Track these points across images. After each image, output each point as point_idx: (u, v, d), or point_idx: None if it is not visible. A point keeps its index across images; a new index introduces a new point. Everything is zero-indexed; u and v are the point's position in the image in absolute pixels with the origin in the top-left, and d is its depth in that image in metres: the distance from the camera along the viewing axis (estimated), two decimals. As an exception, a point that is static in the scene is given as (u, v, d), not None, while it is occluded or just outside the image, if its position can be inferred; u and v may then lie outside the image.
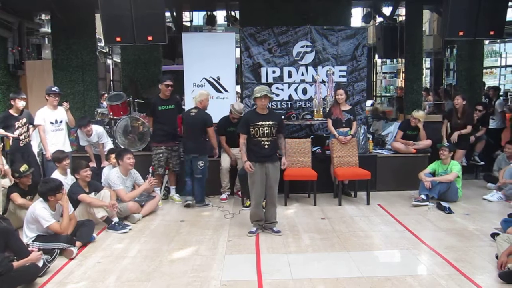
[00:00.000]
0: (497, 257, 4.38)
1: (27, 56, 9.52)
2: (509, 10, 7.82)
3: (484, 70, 11.24)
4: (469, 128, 7.31)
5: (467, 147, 7.55)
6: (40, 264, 4.25)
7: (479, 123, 8.04)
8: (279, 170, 5.37)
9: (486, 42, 12.84)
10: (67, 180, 5.88)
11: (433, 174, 6.84)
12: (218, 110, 7.21)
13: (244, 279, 4.16)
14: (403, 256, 4.75)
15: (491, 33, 7.03)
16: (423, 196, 6.55)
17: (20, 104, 6.26)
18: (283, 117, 7.40)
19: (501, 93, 12.58)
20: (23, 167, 5.60)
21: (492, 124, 8.75)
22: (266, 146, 5.23)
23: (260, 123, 5.22)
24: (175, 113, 6.80)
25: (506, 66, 14.61)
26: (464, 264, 4.43)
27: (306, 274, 4.24)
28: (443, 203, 6.37)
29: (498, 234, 4.77)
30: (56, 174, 5.87)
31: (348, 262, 4.53)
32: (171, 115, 6.73)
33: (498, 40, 14.32)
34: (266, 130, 5.22)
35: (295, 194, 7.17)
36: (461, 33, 6.92)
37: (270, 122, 5.23)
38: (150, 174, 6.89)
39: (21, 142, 6.28)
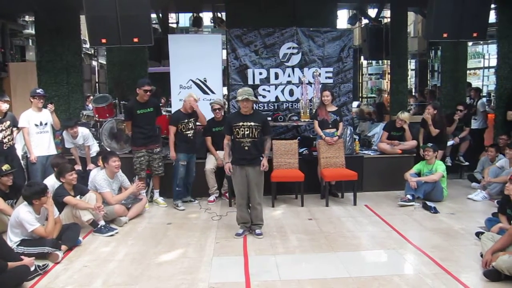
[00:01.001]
0: (481, 255, 4.43)
1: (10, 58, 9.41)
2: (491, 12, 7.96)
3: (468, 71, 11.39)
4: (436, 130, 7.29)
5: (445, 148, 7.64)
6: (32, 268, 4.21)
7: (462, 123, 8.15)
8: (261, 174, 5.32)
9: (470, 43, 13.01)
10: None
11: (418, 174, 6.91)
12: (205, 112, 7.18)
13: (232, 281, 4.15)
14: (390, 256, 4.78)
15: (474, 35, 7.12)
16: (409, 196, 6.60)
17: (4, 106, 6.17)
18: (269, 118, 7.44)
19: (484, 94, 12.78)
20: (5, 166, 5.51)
21: (474, 125, 8.86)
22: (246, 148, 5.21)
23: (241, 123, 5.21)
24: (154, 116, 6.75)
25: (489, 67, 14.84)
26: (450, 263, 4.47)
27: (294, 275, 4.24)
28: (428, 203, 6.44)
29: (482, 233, 4.83)
30: (51, 179, 5.79)
31: (335, 263, 4.54)
32: (150, 118, 6.67)
33: (481, 42, 14.54)
34: (247, 131, 5.20)
35: (282, 195, 7.18)
36: (445, 35, 7.00)
37: (252, 123, 5.20)
38: (136, 177, 6.85)
39: (4, 145, 6.19)
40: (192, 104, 6.61)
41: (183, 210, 6.58)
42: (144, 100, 6.60)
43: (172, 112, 7.33)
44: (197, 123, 6.82)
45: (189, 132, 6.64)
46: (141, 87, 6.54)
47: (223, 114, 7.29)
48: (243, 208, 5.41)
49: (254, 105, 5.56)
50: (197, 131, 6.85)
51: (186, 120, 6.63)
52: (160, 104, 7.76)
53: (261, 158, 5.32)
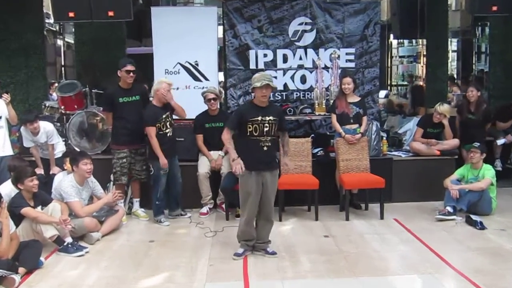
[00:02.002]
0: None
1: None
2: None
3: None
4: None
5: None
6: None
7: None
8: (277, 179, 5.38)
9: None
10: None
11: (461, 181, 6.90)
12: (196, 103, 7.20)
13: (229, 313, 4.17)
14: (424, 282, 4.78)
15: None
16: (449, 209, 6.60)
17: None
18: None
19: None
20: None
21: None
22: (266, 148, 5.21)
23: (260, 118, 5.17)
24: (141, 106, 6.72)
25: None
26: (499, 291, 4.48)
27: (306, 306, 4.26)
28: (473, 217, 6.43)
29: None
30: (7, 186, 5.81)
31: (357, 290, 4.55)
32: (136, 109, 6.65)
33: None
34: (267, 127, 5.19)
35: (291, 206, 7.18)
36: (494, 8, 6.99)
37: (271, 118, 5.21)
38: (112, 184, 6.86)
39: None
40: (163, 94, 6.42)
41: (167, 226, 6.59)
42: (128, 84, 6.61)
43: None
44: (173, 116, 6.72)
45: (168, 130, 6.57)
46: (122, 67, 6.54)
47: (219, 106, 7.30)
48: (252, 222, 5.42)
49: (251, 94, 5.57)
50: (174, 126, 6.77)
51: (164, 116, 6.52)
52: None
53: (277, 160, 5.32)
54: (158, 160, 6.43)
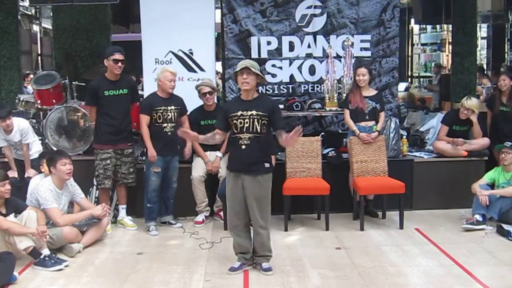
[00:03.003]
0: None
1: None
2: None
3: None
4: None
5: None
6: None
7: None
8: (265, 185, 5.28)
9: None
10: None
11: (491, 186, 6.89)
12: (191, 97, 7.19)
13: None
14: (450, 301, 4.79)
15: None
16: (477, 217, 6.59)
17: None
18: (281, 106, 7.44)
19: None
20: None
21: None
22: (244, 146, 5.21)
23: (239, 113, 5.20)
24: (129, 101, 6.75)
25: None
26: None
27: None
28: (505, 226, 6.42)
29: None
30: None
31: (373, 310, 4.56)
32: (123, 103, 6.68)
33: None
34: (246, 123, 5.19)
35: (299, 214, 7.21)
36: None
37: (254, 112, 5.18)
38: (95, 189, 6.87)
39: None
40: (167, 82, 6.59)
41: (155, 236, 6.60)
42: (115, 76, 6.62)
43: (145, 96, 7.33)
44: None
45: (167, 125, 6.63)
46: (109, 56, 6.54)
47: (216, 100, 7.29)
48: (239, 232, 5.41)
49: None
50: (180, 124, 6.84)
51: (164, 107, 6.63)
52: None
53: (266, 164, 5.29)
54: (147, 157, 6.56)
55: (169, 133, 6.64)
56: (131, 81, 7.07)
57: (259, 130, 5.21)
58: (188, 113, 7.08)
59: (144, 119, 6.59)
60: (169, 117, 6.64)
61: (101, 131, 6.70)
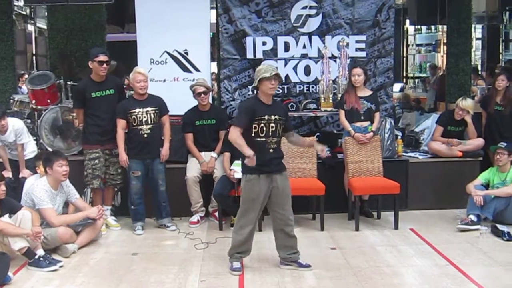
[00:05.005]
0: None
1: None
2: None
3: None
4: None
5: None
6: None
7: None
8: (289, 183, 5.44)
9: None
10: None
11: (486, 186, 6.91)
12: (186, 97, 7.19)
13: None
14: (445, 301, 4.79)
15: None
16: (472, 217, 6.60)
17: None
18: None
19: None
20: None
21: None
22: (271, 150, 5.26)
23: (267, 117, 5.21)
24: (116, 101, 6.73)
25: None
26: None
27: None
28: (500, 227, 6.44)
29: None
30: None
31: (368, 310, 4.56)
32: (110, 104, 6.66)
33: None
34: (273, 127, 5.24)
35: (294, 214, 7.05)
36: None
37: (277, 117, 5.26)
38: (89, 190, 6.87)
39: None
40: (135, 83, 6.54)
41: (140, 235, 6.62)
42: (101, 77, 6.61)
43: None
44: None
45: (142, 127, 6.57)
46: (94, 58, 6.54)
47: (210, 101, 7.29)
48: (250, 235, 5.40)
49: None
50: (160, 125, 6.74)
51: (139, 110, 6.57)
52: (124, 86, 7.77)
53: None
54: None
55: (145, 136, 6.59)
56: (118, 81, 7.07)
57: (280, 134, 5.33)
58: (184, 113, 7.12)
59: (119, 123, 6.55)
60: (145, 119, 6.59)
61: (89, 131, 6.72)
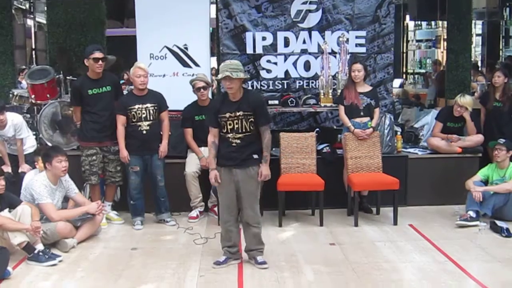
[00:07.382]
0: None
1: None
2: None
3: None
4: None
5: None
6: None
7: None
8: (255, 177, 5.34)
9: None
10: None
11: (485, 182, 6.92)
12: (185, 92, 7.19)
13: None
14: (443, 297, 4.80)
15: None
16: (471, 213, 6.61)
17: None
18: (276, 102, 7.48)
19: None
20: None
21: None
22: (234, 144, 5.29)
23: (228, 114, 5.25)
24: (113, 98, 6.72)
25: None
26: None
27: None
28: (499, 223, 6.44)
29: None
30: None
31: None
32: (107, 100, 6.66)
33: None
34: (236, 123, 5.26)
35: (293, 210, 7.22)
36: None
37: (241, 113, 5.24)
38: (88, 186, 6.87)
39: None
40: (135, 78, 6.53)
41: (139, 230, 6.63)
42: (97, 74, 6.61)
43: None
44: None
45: (142, 123, 6.58)
46: (89, 55, 6.53)
47: (210, 96, 7.29)
48: (230, 227, 5.47)
49: (248, 82, 5.56)
50: (159, 121, 6.74)
51: (138, 106, 6.56)
52: (123, 81, 7.79)
53: (254, 156, 5.32)
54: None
55: (144, 132, 6.60)
56: (115, 78, 7.05)
57: (248, 129, 5.28)
58: (183, 108, 7.11)
59: (119, 119, 6.55)
60: (144, 115, 6.59)
61: (86, 128, 6.71)
